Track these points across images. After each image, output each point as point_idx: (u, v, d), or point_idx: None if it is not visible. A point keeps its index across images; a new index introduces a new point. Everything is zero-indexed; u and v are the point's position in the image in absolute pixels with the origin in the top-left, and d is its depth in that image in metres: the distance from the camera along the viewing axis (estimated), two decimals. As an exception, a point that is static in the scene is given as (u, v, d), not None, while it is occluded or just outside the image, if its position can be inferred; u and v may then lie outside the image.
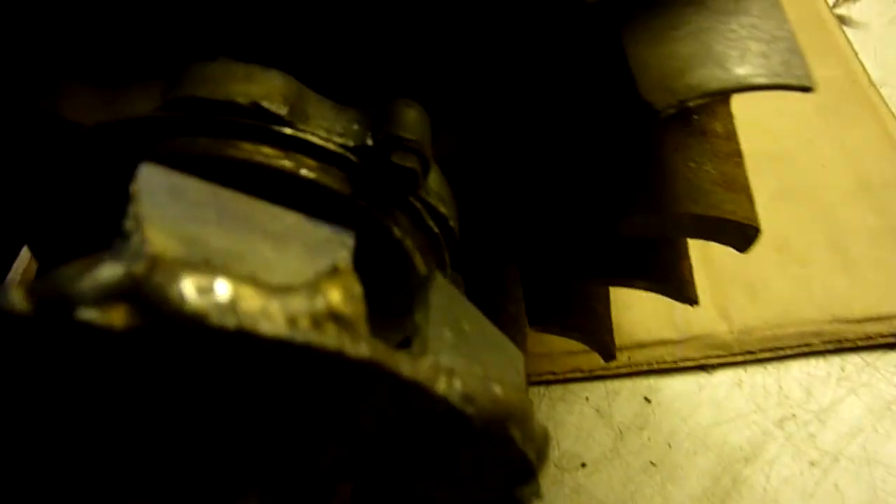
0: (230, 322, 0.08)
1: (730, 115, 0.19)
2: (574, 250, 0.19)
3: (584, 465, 0.26)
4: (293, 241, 0.10)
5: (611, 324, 0.22)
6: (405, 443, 0.12)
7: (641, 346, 0.27)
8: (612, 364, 0.26)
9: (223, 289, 0.08)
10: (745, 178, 0.17)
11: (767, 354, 0.27)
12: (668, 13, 0.17)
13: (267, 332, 0.08)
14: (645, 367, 0.27)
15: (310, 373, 0.10)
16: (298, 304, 0.09)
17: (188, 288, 0.08)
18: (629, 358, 0.27)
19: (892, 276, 0.27)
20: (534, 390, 0.27)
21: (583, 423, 0.26)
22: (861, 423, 0.25)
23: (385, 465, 0.13)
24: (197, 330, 0.08)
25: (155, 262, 0.08)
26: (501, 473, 0.12)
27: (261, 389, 0.10)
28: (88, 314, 0.08)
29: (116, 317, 0.08)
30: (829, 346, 0.26)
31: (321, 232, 0.10)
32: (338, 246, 0.10)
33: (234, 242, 0.09)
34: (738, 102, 0.19)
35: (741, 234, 0.17)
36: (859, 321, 0.26)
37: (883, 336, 0.26)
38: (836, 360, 0.27)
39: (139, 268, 0.08)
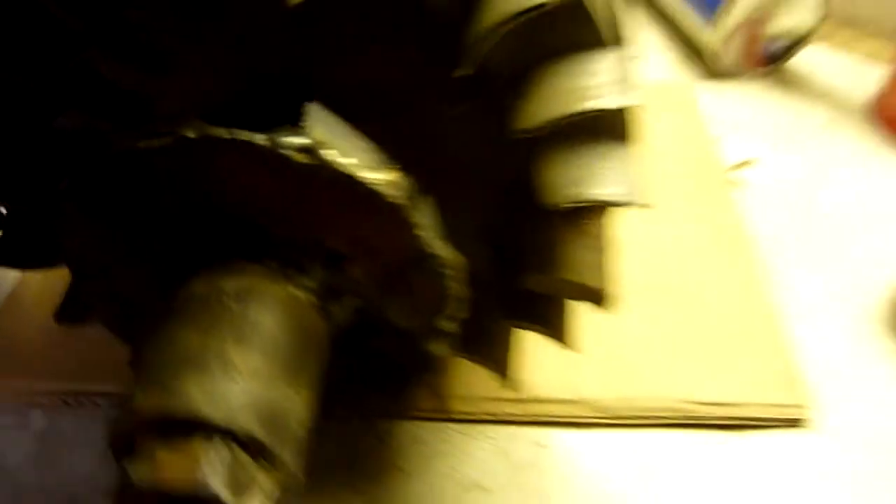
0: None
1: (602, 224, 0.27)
2: (492, 296, 0.26)
3: (484, 488, 0.32)
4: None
5: (509, 359, 0.29)
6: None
7: (539, 400, 0.34)
8: (515, 413, 0.33)
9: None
10: (610, 264, 0.25)
11: (642, 422, 0.34)
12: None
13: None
14: (542, 419, 0.34)
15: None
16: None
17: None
18: (526, 409, 0.34)
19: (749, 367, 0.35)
20: (449, 426, 0.34)
21: (486, 457, 0.33)
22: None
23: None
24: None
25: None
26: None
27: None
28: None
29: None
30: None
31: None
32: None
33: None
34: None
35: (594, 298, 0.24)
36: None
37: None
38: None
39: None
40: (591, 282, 0.24)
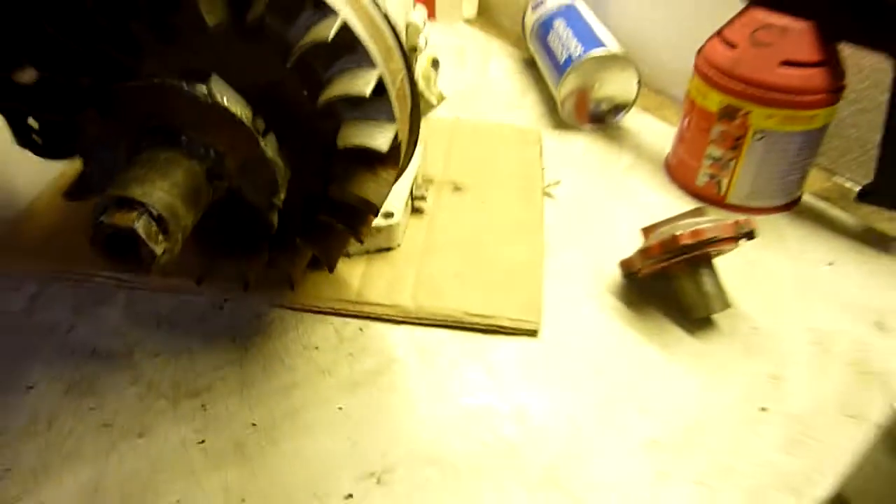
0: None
1: (392, 173, 0.45)
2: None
3: (318, 349, 0.49)
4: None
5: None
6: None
7: (366, 302, 0.52)
8: (347, 308, 0.51)
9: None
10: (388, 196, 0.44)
11: (428, 322, 0.51)
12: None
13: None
14: (366, 314, 0.51)
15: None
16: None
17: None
18: (356, 307, 0.51)
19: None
20: (304, 314, 0.51)
21: (325, 331, 0.50)
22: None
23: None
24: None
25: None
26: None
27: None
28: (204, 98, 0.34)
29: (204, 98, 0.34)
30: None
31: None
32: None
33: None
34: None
35: (371, 209, 0.43)
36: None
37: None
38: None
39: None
40: (371, 198, 0.42)
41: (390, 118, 0.42)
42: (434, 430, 0.44)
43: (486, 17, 1.00)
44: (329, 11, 0.38)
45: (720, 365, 0.50)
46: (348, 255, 0.56)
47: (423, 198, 0.61)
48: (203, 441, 0.43)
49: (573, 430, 0.45)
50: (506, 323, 0.51)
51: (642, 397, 0.47)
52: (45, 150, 0.43)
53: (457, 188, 0.65)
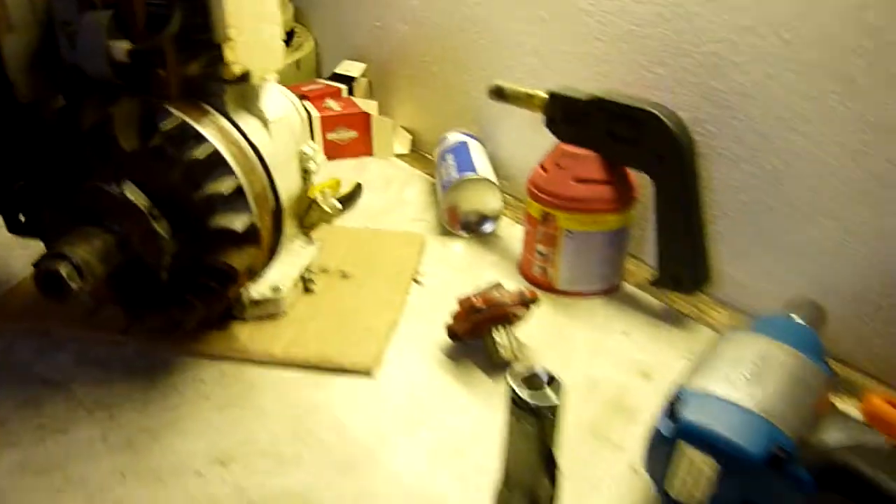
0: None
1: (258, 248, 0.65)
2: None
3: (207, 396, 0.66)
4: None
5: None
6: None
7: (247, 351, 0.70)
8: (234, 356, 0.69)
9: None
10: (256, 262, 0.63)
11: (289, 363, 0.69)
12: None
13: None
14: (246, 358, 0.69)
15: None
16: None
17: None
18: (241, 354, 0.69)
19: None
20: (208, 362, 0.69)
21: (213, 375, 0.68)
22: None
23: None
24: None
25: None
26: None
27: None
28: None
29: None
30: (320, 372, 0.69)
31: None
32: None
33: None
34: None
35: (233, 276, 0.62)
36: (332, 364, 0.69)
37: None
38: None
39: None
40: (235, 265, 0.61)
41: (248, 211, 0.62)
42: (273, 433, 0.61)
43: (416, 153, 1.24)
44: (204, 141, 0.59)
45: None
46: (243, 320, 0.74)
47: (311, 281, 0.80)
48: (106, 439, 0.60)
49: (378, 435, 0.61)
50: (347, 365, 0.68)
51: (439, 417, 0.63)
52: (25, 232, 0.64)
53: (344, 275, 0.84)
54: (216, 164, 0.60)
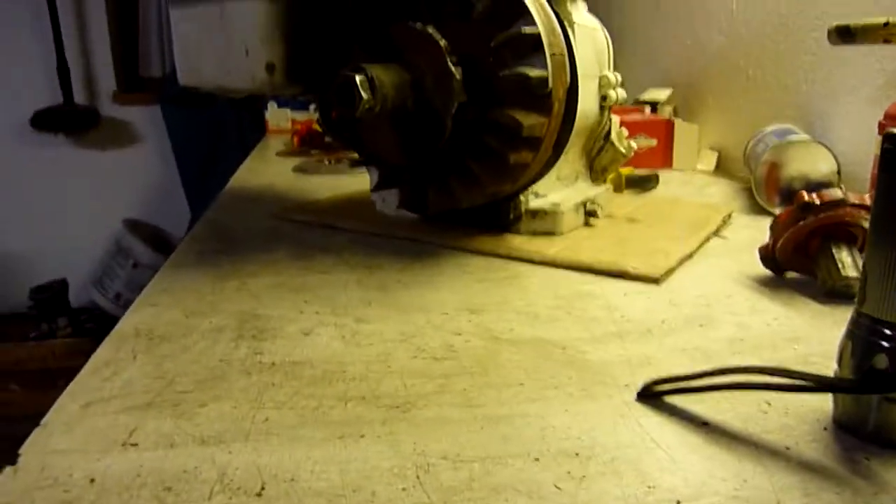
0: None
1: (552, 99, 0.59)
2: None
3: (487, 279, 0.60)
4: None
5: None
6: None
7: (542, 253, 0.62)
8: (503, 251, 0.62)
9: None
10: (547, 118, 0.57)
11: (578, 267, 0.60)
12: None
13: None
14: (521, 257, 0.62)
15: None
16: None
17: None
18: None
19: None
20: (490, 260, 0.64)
21: (481, 263, 0.62)
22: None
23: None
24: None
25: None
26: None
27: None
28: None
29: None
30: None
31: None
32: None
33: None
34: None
35: (519, 128, 0.56)
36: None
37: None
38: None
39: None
40: (521, 120, 0.56)
41: (544, 67, 0.57)
42: (532, 301, 0.52)
43: (722, 171, 1.11)
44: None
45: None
46: (518, 233, 0.68)
47: (594, 214, 0.72)
48: (361, 282, 0.57)
49: (659, 320, 0.48)
50: (629, 270, 0.57)
51: (740, 315, 0.48)
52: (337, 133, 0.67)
53: (631, 220, 0.74)
54: (519, 9, 0.57)
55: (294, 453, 0.33)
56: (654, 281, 0.56)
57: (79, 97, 2.40)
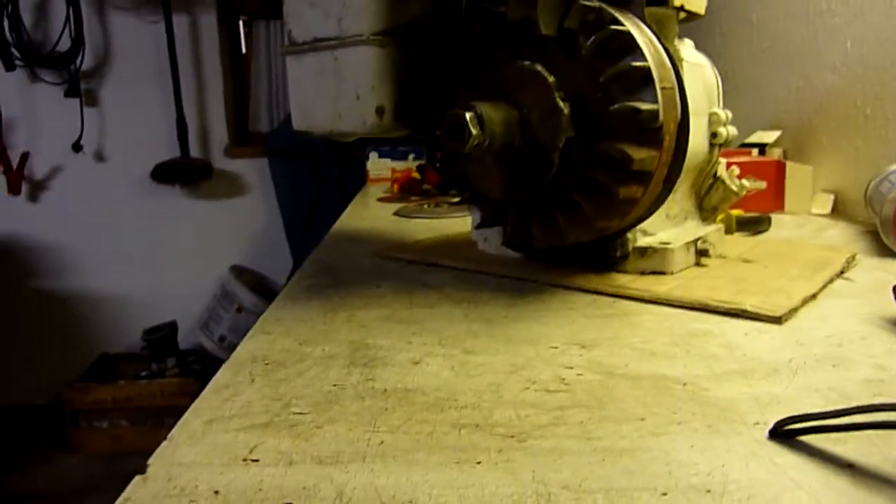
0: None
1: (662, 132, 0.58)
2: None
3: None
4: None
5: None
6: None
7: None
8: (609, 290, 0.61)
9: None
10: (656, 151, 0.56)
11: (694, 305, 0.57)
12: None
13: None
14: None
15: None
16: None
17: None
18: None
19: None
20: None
21: (587, 300, 0.60)
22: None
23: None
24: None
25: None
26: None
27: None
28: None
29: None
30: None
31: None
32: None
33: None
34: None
35: (629, 161, 0.55)
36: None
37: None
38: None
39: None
40: (630, 153, 0.55)
41: (654, 101, 0.56)
42: (646, 338, 0.50)
43: (839, 214, 1.05)
44: (619, 24, 0.57)
45: None
46: (625, 272, 0.66)
47: (706, 253, 0.69)
48: (467, 315, 0.56)
49: (785, 359, 0.45)
50: (748, 307, 0.54)
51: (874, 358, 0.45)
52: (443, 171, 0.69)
53: (745, 260, 0.70)
54: (628, 45, 0.57)
55: (411, 476, 0.32)
56: (776, 320, 0.53)
57: (194, 151, 2.57)
